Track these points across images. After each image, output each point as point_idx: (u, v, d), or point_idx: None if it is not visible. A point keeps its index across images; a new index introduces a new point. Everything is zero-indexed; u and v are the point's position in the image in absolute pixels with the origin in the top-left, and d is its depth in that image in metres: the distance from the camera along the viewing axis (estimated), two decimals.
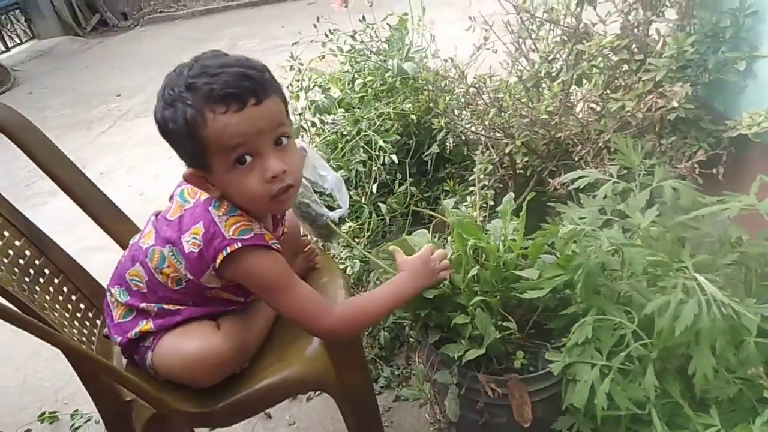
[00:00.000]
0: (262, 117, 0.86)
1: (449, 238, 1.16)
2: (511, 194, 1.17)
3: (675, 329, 0.74)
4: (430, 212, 1.30)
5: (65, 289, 1.11)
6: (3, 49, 7.46)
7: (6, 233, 1.03)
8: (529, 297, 1.00)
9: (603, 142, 1.32)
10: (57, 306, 1.05)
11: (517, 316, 1.14)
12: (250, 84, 0.85)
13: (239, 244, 0.89)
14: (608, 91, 1.47)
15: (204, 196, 0.95)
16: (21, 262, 1.03)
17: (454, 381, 1.05)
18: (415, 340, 1.67)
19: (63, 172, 1.17)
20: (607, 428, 0.91)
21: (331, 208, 1.21)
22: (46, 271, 1.08)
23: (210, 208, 0.93)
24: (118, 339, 1.00)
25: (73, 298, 1.12)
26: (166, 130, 0.87)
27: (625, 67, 1.45)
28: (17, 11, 7.95)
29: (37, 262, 1.07)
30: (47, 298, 1.04)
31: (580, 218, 1.07)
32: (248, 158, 0.87)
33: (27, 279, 1.01)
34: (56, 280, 1.09)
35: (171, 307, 0.99)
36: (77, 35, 7.71)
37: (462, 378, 1.05)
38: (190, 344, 0.96)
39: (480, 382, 1.03)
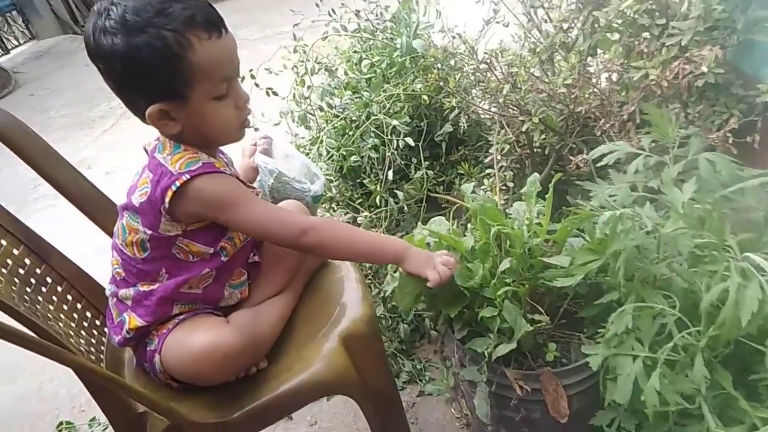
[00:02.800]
0: (234, 47, 0.89)
1: (469, 225, 1.09)
2: (536, 175, 1.10)
3: (740, 319, 0.66)
4: (449, 198, 1.23)
5: (69, 297, 1.06)
6: (2, 52, 7.42)
7: (3, 242, 0.98)
8: (560, 285, 0.93)
9: (627, 114, 1.23)
10: (62, 316, 1.00)
11: (546, 305, 1.08)
12: (217, 13, 0.86)
13: (187, 176, 0.86)
14: (627, 60, 1.39)
15: (149, 147, 0.94)
16: (21, 271, 0.98)
17: (483, 379, 0.99)
18: (436, 331, 1.61)
19: (61, 175, 1.11)
20: (654, 424, 0.85)
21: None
22: (48, 279, 1.03)
23: (155, 154, 0.91)
24: (116, 339, 0.97)
25: (79, 306, 1.07)
26: (135, 59, 0.81)
27: (646, 34, 1.37)
28: (14, 12, 7.90)
29: (38, 271, 1.02)
30: (51, 308, 0.99)
31: (610, 196, 1.00)
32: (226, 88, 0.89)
33: (28, 289, 0.96)
34: (59, 289, 1.04)
35: (146, 287, 0.95)
36: (76, 33, 7.64)
37: (492, 374, 1.00)
38: (197, 338, 0.91)
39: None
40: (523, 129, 1.44)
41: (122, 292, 0.96)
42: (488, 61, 1.48)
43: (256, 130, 1.64)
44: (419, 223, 1.19)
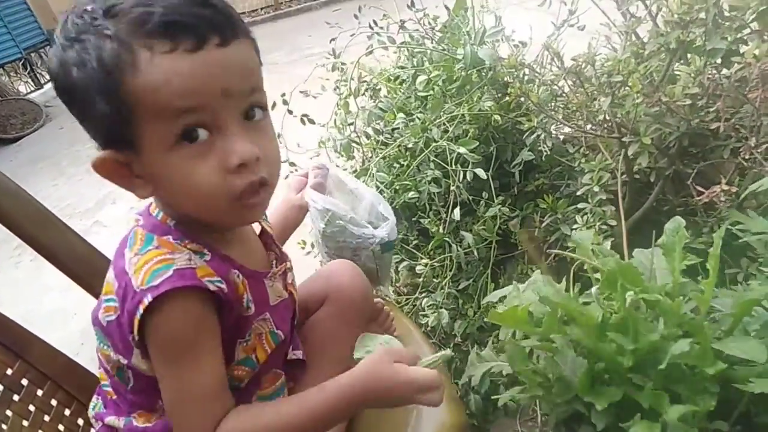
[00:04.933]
0: (228, 68, 0.55)
1: (595, 290, 0.79)
2: (680, 220, 0.79)
3: None
4: (569, 254, 0.93)
5: (54, 402, 0.79)
6: (35, 87, 7.50)
7: None
8: (759, 390, 0.62)
9: None
10: None
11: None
12: (210, 13, 0.54)
13: (150, 297, 0.55)
14: None
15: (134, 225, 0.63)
16: None
17: None
18: (514, 402, 1.31)
19: (46, 235, 0.86)
20: None
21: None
22: (24, 382, 0.76)
23: (125, 249, 0.61)
24: None
25: (67, 412, 0.80)
26: (66, 84, 0.54)
27: None
28: (47, 48, 8.01)
29: (9, 372, 0.75)
30: (24, 424, 0.72)
31: None
32: (202, 132, 0.55)
33: None
34: (39, 392, 0.77)
35: (141, 423, 0.65)
36: None
37: None
38: None
39: None
40: (630, 152, 1.13)
41: (110, 419, 0.68)
42: (577, 69, 1.19)
43: (292, 165, 1.38)
44: (516, 283, 0.89)
